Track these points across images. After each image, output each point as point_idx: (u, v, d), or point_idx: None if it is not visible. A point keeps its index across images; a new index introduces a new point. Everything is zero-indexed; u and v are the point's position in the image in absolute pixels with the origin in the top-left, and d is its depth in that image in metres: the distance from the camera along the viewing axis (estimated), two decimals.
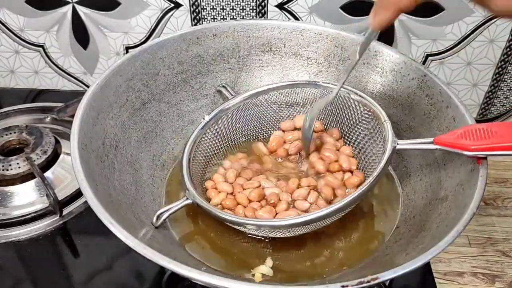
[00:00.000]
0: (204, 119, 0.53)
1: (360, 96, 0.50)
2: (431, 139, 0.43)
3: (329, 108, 0.54)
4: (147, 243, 0.36)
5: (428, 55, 0.69)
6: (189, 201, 0.45)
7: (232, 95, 0.55)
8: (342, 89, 0.51)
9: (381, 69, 0.54)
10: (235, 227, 0.45)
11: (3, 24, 0.72)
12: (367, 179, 0.44)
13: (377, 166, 0.44)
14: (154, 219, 0.44)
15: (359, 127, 0.51)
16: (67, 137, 0.63)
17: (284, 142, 0.54)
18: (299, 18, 0.67)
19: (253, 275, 0.44)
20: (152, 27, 0.70)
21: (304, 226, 0.43)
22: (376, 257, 0.44)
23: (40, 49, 0.75)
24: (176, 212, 0.45)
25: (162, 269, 0.49)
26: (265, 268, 0.44)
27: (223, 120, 0.54)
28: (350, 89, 0.51)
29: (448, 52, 0.68)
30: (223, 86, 0.57)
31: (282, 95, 0.55)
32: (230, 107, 0.54)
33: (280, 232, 0.44)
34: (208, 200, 0.48)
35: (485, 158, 0.41)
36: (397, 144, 0.45)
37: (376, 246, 0.46)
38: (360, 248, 0.46)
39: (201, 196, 0.46)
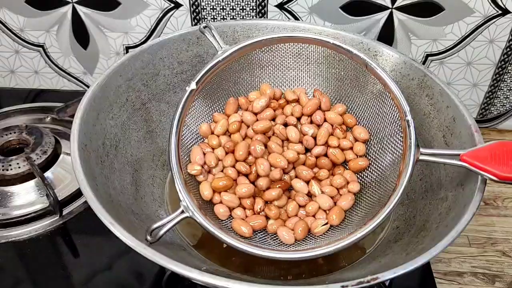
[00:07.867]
0: (188, 87, 0.47)
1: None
2: (457, 153, 0.40)
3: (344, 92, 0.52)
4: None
5: (428, 55, 0.69)
6: (186, 215, 0.41)
7: (216, 40, 0.49)
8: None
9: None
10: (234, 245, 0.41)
11: (3, 24, 0.72)
12: (384, 208, 0.40)
13: (397, 186, 0.40)
14: (148, 236, 0.39)
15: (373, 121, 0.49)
16: (67, 137, 0.63)
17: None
18: (299, 18, 0.67)
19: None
20: (152, 27, 0.70)
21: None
22: (375, 257, 0.44)
23: (40, 49, 0.75)
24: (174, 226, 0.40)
25: (162, 269, 0.49)
26: None
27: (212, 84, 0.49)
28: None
29: (448, 52, 0.68)
30: (206, 26, 0.51)
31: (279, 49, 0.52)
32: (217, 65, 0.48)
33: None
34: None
35: None
36: (420, 154, 0.40)
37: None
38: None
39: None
